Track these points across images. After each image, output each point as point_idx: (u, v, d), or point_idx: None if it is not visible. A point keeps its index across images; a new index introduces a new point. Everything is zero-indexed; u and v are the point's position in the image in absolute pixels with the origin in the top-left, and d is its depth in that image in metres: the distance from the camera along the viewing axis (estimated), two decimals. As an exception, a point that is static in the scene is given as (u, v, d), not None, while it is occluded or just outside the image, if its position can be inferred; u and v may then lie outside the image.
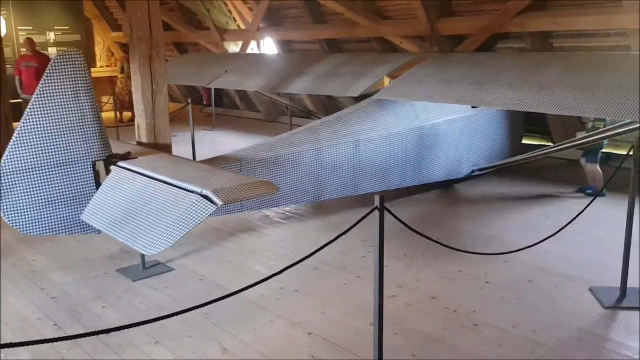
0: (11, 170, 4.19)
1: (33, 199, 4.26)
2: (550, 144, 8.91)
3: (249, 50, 12.54)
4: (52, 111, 4.27)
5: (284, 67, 8.54)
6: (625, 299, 4.19)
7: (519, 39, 8.23)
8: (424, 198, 7.02)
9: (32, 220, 4.28)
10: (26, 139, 4.20)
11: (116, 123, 11.57)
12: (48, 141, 4.28)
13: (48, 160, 4.29)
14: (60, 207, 4.38)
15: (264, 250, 5.51)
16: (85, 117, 4.44)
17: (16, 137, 4.19)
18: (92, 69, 14.57)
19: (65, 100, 4.32)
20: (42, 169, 4.27)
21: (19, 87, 10.99)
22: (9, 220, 4.27)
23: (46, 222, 4.33)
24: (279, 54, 11.54)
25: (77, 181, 4.44)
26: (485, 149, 7.30)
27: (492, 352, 3.63)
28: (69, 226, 4.45)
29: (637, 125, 5.31)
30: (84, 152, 4.45)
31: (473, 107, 6.97)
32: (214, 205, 3.63)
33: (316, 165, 5.76)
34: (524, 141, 8.51)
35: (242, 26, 12.52)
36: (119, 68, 14.32)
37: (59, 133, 4.32)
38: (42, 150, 4.26)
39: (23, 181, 4.21)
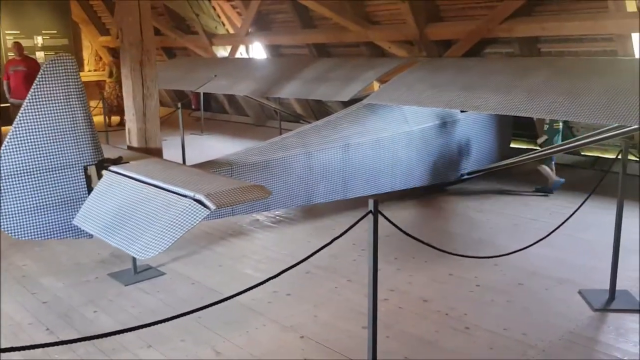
0: (2, 174, 4.17)
1: (25, 204, 4.24)
2: (537, 148, 8.99)
3: (237, 55, 12.55)
4: (44, 116, 4.25)
5: (273, 71, 8.57)
6: (614, 302, 4.25)
7: (506, 44, 8.32)
8: (414, 202, 7.06)
9: (23, 224, 4.26)
10: (18, 144, 4.17)
11: (106, 127, 11.51)
12: (40, 146, 4.26)
13: (40, 165, 4.27)
14: (52, 211, 4.36)
15: (255, 254, 5.52)
16: (77, 121, 4.43)
17: (8, 142, 4.17)
18: (80, 74, 14.50)
19: (57, 104, 4.31)
20: (33, 174, 4.25)
21: (7, 91, 10.92)
22: (0, 225, 4.25)
23: (38, 226, 4.31)
24: (268, 59, 11.56)
25: (69, 186, 4.42)
26: (474, 153, 7.37)
27: (483, 354, 3.66)
28: (61, 231, 4.43)
29: (625, 129, 5.38)
30: (75, 156, 4.44)
31: (462, 111, 7.04)
32: (207, 210, 3.64)
33: (307, 169, 5.78)
34: (512, 145, 8.60)
35: (231, 31, 12.53)
36: (107, 72, 14.28)
37: (51, 138, 4.30)
38: (34, 154, 4.24)
39: (15, 186, 4.18)
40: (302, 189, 5.79)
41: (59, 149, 4.36)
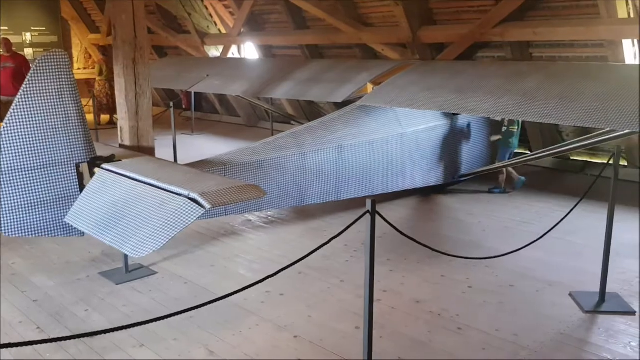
0: (-6, 171, 4.13)
1: (16, 201, 4.19)
2: (527, 152, 9.06)
3: (229, 55, 12.52)
4: (36, 112, 4.22)
5: (266, 72, 8.55)
6: (604, 304, 4.28)
7: (499, 48, 8.37)
8: (405, 204, 7.08)
9: (14, 222, 4.21)
10: (9, 141, 4.13)
11: (96, 126, 11.44)
12: (31, 142, 4.22)
13: (31, 162, 4.23)
14: (43, 209, 4.32)
15: (247, 254, 5.50)
16: (70, 118, 4.40)
17: (-1, 138, 4.13)
18: (70, 71, 14.36)
19: (49, 101, 4.27)
20: (25, 171, 4.21)
21: (-5, 88, 10.81)
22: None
23: (29, 224, 4.27)
24: (261, 59, 11.55)
25: (60, 183, 4.39)
26: (466, 156, 7.40)
27: (476, 355, 3.68)
28: (52, 229, 4.39)
29: (617, 134, 5.44)
30: (67, 154, 4.40)
31: (455, 114, 7.07)
32: (202, 209, 3.63)
33: (300, 170, 5.78)
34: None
35: (223, 31, 12.50)
36: (97, 70, 14.19)
37: (43, 134, 4.27)
38: (25, 151, 4.20)
39: (5, 183, 4.14)
40: (295, 190, 5.78)
41: (51, 146, 4.32)
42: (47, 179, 4.33)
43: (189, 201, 3.68)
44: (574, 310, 4.25)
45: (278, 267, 5.14)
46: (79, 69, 16.28)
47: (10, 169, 4.15)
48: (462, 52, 8.39)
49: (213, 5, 12.20)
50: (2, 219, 4.19)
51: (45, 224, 4.35)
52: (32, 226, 4.30)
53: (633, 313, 4.17)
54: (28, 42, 14.41)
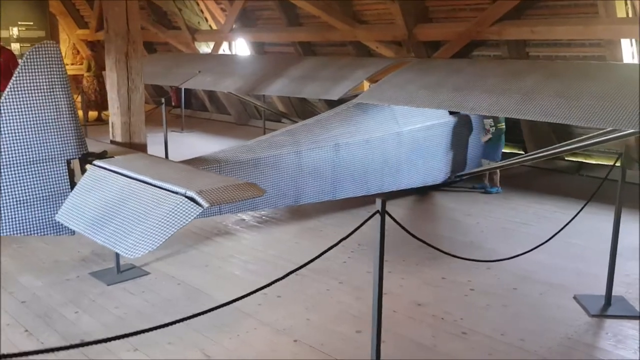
0: (-20, 167, 3.95)
1: (4, 199, 4.02)
2: (522, 152, 9.01)
3: (220, 52, 12.35)
4: (26, 106, 4.05)
5: (259, 69, 8.41)
6: (610, 307, 4.20)
7: (495, 47, 8.29)
8: (401, 203, 6.97)
9: (3, 220, 4.03)
10: (-3, 135, 3.96)
11: (84, 122, 11.23)
12: (21, 137, 4.05)
13: (20, 158, 4.05)
14: (32, 207, 4.14)
15: (242, 254, 5.36)
16: (61, 113, 4.23)
17: (-14, 133, 3.95)
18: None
19: (40, 94, 4.10)
20: (13, 167, 4.03)
21: (-19, 82, 10.54)
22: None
23: (18, 222, 4.09)
24: (253, 56, 11.39)
25: (50, 180, 4.21)
26: (462, 156, 7.31)
27: (482, 360, 3.57)
28: (42, 227, 4.22)
29: (619, 134, 5.37)
30: (58, 149, 4.23)
31: (451, 113, 6.98)
32: (200, 207, 3.48)
33: (296, 168, 5.65)
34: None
35: (214, 27, 12.33)
36: (86, 66, 13.93)
37: (33, 129, 4.10)
38: (14, 147, 4.02)
39: (-7, 179, 3.97)
40: (291, 189, 5.65)
41: (41, 142, 4.15)
42: (37, 175, 4.15)
43: (186, 199, 3.53)
44: (580, 314, 4.16)
45: (273, 267, 5.06)
46: (66, 64, 15.97)
47: (-3, 164, 3.98)
48: (458, 50, 8.30)
49: (204, 1, 12.02)
50: (-12, 217, 4.02)
51: (34, 223, 4.17)
52: (21, 225, 4.12)
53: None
54: (15, 37, 14.13)
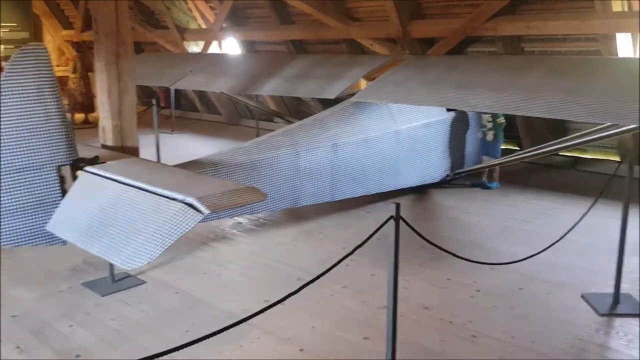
0: (-33, 176, 3.79)
1: (-8, 208, 3.86)
2: (517, 148, 8.93)
3: (210, 51, 12.17)
4: (13, 110, 3.89)
5: (252, 68, 8.25)
6: (619, 306, 4.11)
7: (490, 43, 8.20)
8: (401, 202, 6.82)
9: (-9, 231, 3.88)
10: (-16, 142, 3.79)
11: (71, 125, 10.99)
12: (9, 143, 3.89)
13: (8, 165, 3.89)
14: (22, 216, 3.98)
15: (241, 259, 5.22)
16: (50, 117, 4.07)
17: (-27, 140, 3.79)
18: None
19: (28, 98, 3.95)
20: (2, 175, 3.87)
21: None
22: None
23: (7, 233, 3.92)
24: (245, 55, 11.22)
25: (40, 188, 4.05)
26: (460, 153, 7.22)
27: (495, 365, 3.47)
28: (32, 237, 4.05)
29: (622, 128, 5.29)
30: (48, 155, 4.07)
31: (448, 110, 6.88)
32: (200, 214, 3.35)
33: (294, 169, 5.52)
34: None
35: (203, 26, 12.14)
36: (71, 68, 13.68)
37: (21, 134, 3.94)
38: (2, 153, 3.86)
39: (-19, 188, 3.80)
40: (290, 191, 5.52)
41: (30, 147, 3.99)
42: (26, 183, 3.99)
43: (186, 206, 3.39)
44: (589, 314, 4.07)
45: (274, 272, 4.93)
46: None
47: (-15, 173, 3.81)
48: (453, 46, 8.20)
49: (193, 1, 11.82)
50: (-23, 228, 3.85)
51: (25, 233, 4.01)
52: (11, 235, 3.95)
53: (650, 315, 4.00)
54: (-2, 38, 13.88)
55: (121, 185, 3.85)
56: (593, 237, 5.47)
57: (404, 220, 2.99)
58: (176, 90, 12.97)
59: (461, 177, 7.44)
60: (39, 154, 4.03)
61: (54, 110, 4.07)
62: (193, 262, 5.13)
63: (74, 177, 4.19)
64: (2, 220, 3.88)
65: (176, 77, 8.95)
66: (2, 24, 13.84)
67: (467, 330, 3.87)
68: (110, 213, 3.68)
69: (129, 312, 4.17)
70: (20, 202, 3.99)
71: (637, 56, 6.99)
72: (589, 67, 5.48)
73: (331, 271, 4.95)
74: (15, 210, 3.96)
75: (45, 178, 4.08)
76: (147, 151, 8.08)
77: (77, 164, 4.23)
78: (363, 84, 6.89)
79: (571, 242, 5.40)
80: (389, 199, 6.86)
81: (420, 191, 7.16)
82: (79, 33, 14.52)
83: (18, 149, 3.93)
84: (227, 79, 8.11)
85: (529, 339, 3.74)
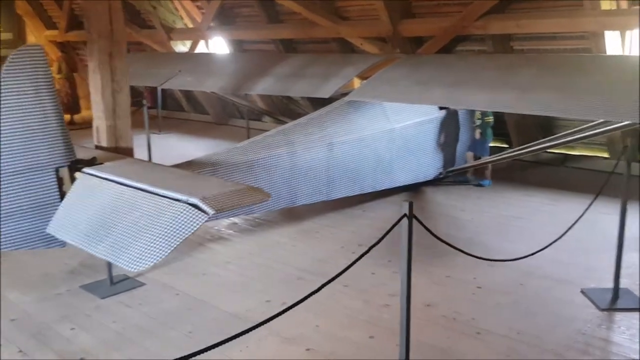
0: (-36, 178, 3.72)
1: (-9, 211, 3.79)
2: (506, 145, 9.00)
3: (197, 50, 12.08)
4: (10, 112, 3.83)
5: (243, 67, 8.21)
6: (619, 300, 4.16)
7: (479, 42, 8.25)
8: (394, 200, 6.86)
9: (-10, 235, 3.81)
10: (-19, 144, 3.73)
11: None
12: (6, 146, 3.83)
13: (7, 168, 3.83)
14: (20, 219, 3.92)
15: (239, 259, 5.19)
16: (48, 118, 4.02)
17: (-30, 141, 3.72)
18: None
19: (25, 99, 3.89)
20: (0, 178, 3.80)
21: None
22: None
23: (5, 236, 3.86)
24: (235, 54, 11.15)
25: (39, 190, 4.00)
26: (452, 151, 7.26)
27: (501, 361, 3.49)
28: (31, 240, 3.99)
29: (614, 125, 5.35)
30: (46, 157, 4.02)
31: (441, 108, 6.91)
32: (205, 215, 3.32)
33: (291, 169, 5.51)
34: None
35: (190, 25, 12.05)
36: (56, 69, 13.52)
37: (19, 136, 3.88)
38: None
39: (-20, 191, 3.74)
40: (287, 190, 5.50)
41: (28, 149, 3.94)
42: (25, 185, 3.94)
43: (190, 207, 3.36)
44: (590, 309, 4.11)
45: (273, 272, 4.91)
46: (34, 67, 15.50)
47: (-17, 175, 3.75)
48: (443, 45, 8.24)
49: (180, 0, 11.72)
50: (-25, 232, 3.78)
51: (23, 236, 3.95)
52: (9, 239, 3.89)
53: (650, 309, 4.06)
54: (-18, 39, 13.65)
55: (122, 186, 3.81)
56: (586, 232, 5.52)
57: (416, 219, 2.98)
58: (162, 90, 12.86)
59: (452, 175, 7.48)
60: (37, 156, 3.98)
61: (51, 111, 4.02)
62: (191, 263, 5.09)
63: (72, 179, 4.14)
64: (0, 223, 3.82)
65: (165, 76, 8.86)
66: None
67: (472, 327, 3.89)
68: (112, 214, 3.63)
69: (130, 314, 4.13)
70: (19, 205, 3.93)
71: (626, 54, 7.08)
72: (581, 65, 5.54)
73: (331, 270, 4.95)
74: (13, 214, 3.90)
75: (43, 180, 4.03)
76: (138, 152, 8.01)
77: (75, 166, 4.18)
78: (357, 82, 6.89)
79: (566, 238, 5.47)
80: (383, 197, 6.88)
81: (414, 189, 7.18)
82: (63, 33, 14.33)
83: (16, 151, 3.88)
84: (218, 78, 8.06)
85: (534, 335, 3.77)
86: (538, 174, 8.06)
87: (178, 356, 3.56)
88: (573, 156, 8.52)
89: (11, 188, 3.89)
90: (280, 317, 4.04)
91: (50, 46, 15.34)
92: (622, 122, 5.09)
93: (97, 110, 5.37)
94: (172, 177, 4.00)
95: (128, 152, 5.45)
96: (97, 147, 5.39)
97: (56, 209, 4.02)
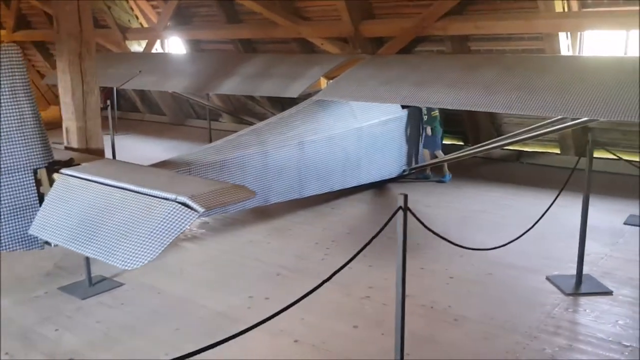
0: (-58, 181, 3.64)
1: (-29, 214, 3.73)
2: (461, 143, 9.32)
3: (153, 50, 11.95)
4: (-12, 113, 3.77)
5: (207, 67, 8.20)
6: (582, 285, 4.44)
7: (438, 42, 8.51)
8: (362, 198, 7.04)
9: (-29, 238, 3.75)
10: (-40, 145, 3.66)
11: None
12: (-16, 147, 3.77)
13: (-15, 169, 3.78)
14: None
15: (215, 258, 5.24)
16: (25, 119, 3.96)
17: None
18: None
19: (2, 100, 3.83)
20: (-21, 179, 3.75)
21: None
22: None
23: (-14, 239, 3.80)
24: (196, 54, 11.07)
25: (17, 192, 3.94)
26: (415, 148, 7.49)
27: (480, 345, 3.69)
28: (10, 242, 3.93)
29: (570, 122, 5.66)
30: (24, 159, 3.97)
31: (403, 107, 7.12)
32: (195, 213, 3.37)
33: (263, 168, 5.59)
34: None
35: (145, 24, 11.91)
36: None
37: (-3, 138, 3.82)
38: (-23, 157, 3.74)
39: (-40, 193, 3.67)
40: (260, 189, 5.57)
41: (5, 151, 3.88)
42: (3, 187, 3.87)
43: (180, 205, 3.41)
44: (556, 294, 4.38)
45: (252, 269, 4.99)
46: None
47: (-38, 178, 3.68)
48: (403, 46, 8.46)
49: (135, 1, 11.58)
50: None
51: (2, 238, 3.89)
52: (-11, 241, 3.83)
53: (610, 293, 4.35)
54: None
55: (105, 186, 3.81)
56: (546, 224, 5.81)
57: (411, 212, 3.14)
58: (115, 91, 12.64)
59: (414, 172, 7.71)
60: (15, 157, 3.92)
61: (28, 112, 3.97)
62: (167, 262, 5.10)
63: (50, 180, 4.10)
64: (-20, 226, 3.76)
65: (124, 77, 8.75)
66: None
67: (449, 315, 4.08)
68: (98, 214, 3.63)
69: (114, 314, 4.13)
70: (-3, 207, 3.87)
71: (577, 54, 7.48)
72: (539, 65, 5.82)
73: (309, 265, 5.10)
74: (-8, 216, 3.84)
75: (21, 182, 3.97)
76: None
77: (53, 167, 4.14)
78: (323, 82, 7.02)
79: (524, 229, 5.76)
80: (349, 195, 7.03)
81: (379, 187, 7.37)
82: (10, 33, 13.89)
83: (-7, 152, 3.82)
84: (181, 78, 8.03)
85: (506, 319, 3.99)
86: (494, 170, 8.39)
87: (169, 353, 3.63)
88: (527, 152, 8.90)
89: (-11, 190, 3.83)
90: (265, 313, 4.14)
91: (-3, 46, 14.81)
92: (579, 119, 5.41)
93: (67, 111, 5.31)
94: (154, 176, 4.02)
95: (99, 153, 5.41)
96: (67, 149, 5.33)
97: (35, 211, 3.98)
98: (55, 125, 6.92)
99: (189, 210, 3.39)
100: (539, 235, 5.57)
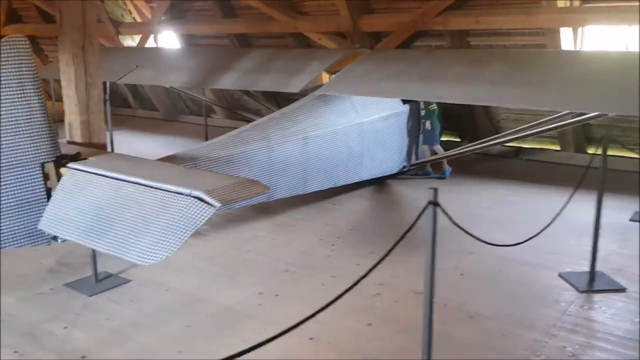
0: (-52, 175, 3.53)
1: (-23, 209, 3.62)
2: (458, 139, 9.30)
3: (147, 45, 11.79)
4: (-5, 105, 3.66)
5: (204, 61, 8.08)
6: (595, 282, 4.42)
7: (437, 37, 8.48)
8: (363, 194, 6.98)
9: (-22, 234, 3.64)
10: (-34, 138, 3.55)
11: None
12: (-9, 140, 3.66)
13: (-8, 163, 3.67)
14: (6, 216, 3.75)
15: (221, 254, 5.16)
16: (33, 112, 3.86)
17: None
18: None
19: (9, 93, 3.73)
20: (-15, 173, 3.64)
21: None
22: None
23: (-7, 235, 3.70)
24: (193, 49, 10.93)
25: (25, 186, 3.84)
26: (415, 144, 7.44)
27: (498, 343, 3.65)
28: (18, 238, 3.83)
29: (578, 118, 5.65)
30: (32, 152, 3.87)
31: (404, 102, 7.08)
32: (212, 207, 3.31)
33: (269, 163, 5.52)
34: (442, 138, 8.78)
35: (138, 19, 11.75)
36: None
37: (4, 131, 3.71)
38: (-17, 151, 3.63)
39: (-34, 188, 3.56)
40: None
41: (13, 145, 3.78)
42: (10, 182, 3.77)
43: (196, 200, 3.34)
44: (570, 291, 4.35)
45: (259, 265, 4.93)
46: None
47: (-32, 171, 3.57)
48: (402, 41, 8.42)
49: (128, -7, 11.43)
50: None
51: (10, 234, 3.78)
52: (-4, 237, 3.72)
53: (624, 290, 4.34)
54: None
55: (116, 181, 3.72)
56: (556, 221, 5.81)
57: (440, 207, 3.08)
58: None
59: (415, 168, 7.66)
60: (23, 151, 3.82)
61: (36, 105, 3.87)
62: (172, 258, 4.93)
63: (58, 175, 4.00)
64: (-13, 221, 3.66)
65: (121, 72, 8.61)
66: None
67: (464, 312, 4.04)
68: (111, 209, 3.54)
69: (122, 311, 4.05)
70: (5, 202, 3.76)
71: (579, 49, 7.48)
72: (544, 60, 5.79)
73: (315, 262, 5.04)
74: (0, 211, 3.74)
75: (29, 176, 3.87)
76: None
77: (60, 161, 4.04)
78: (324, 77, 6.95)
79: (538, 226, 5.72)
80: (350, 191, 6.97)
81: (379, 183, 7.31)
82: (1, 27, 13.63)
83: (1, 147, 3.71)
84: (179, 73, 7.91)
85: (523, 317, 3.96)
86: (494, 166, 8.37)
87: (181, 349, 3.55)
88: (525, 149, 8.90)
89: (-4, 184, 3.73)
90: (277, 310, 4.10)
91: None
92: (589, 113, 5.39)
93: (70, 104, 5.19)
94: (164, 171, 3.94)
95: (102, 148, 5.30)
96: (70, 143, 5.21)
97: (42, 206, 3.88)
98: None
99: (205, 205, 3.32)
100: (548, 231, 5.54)
